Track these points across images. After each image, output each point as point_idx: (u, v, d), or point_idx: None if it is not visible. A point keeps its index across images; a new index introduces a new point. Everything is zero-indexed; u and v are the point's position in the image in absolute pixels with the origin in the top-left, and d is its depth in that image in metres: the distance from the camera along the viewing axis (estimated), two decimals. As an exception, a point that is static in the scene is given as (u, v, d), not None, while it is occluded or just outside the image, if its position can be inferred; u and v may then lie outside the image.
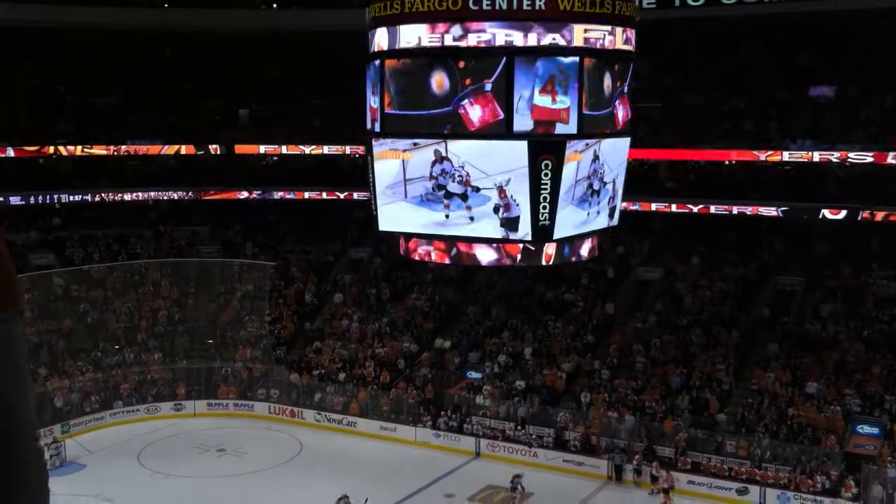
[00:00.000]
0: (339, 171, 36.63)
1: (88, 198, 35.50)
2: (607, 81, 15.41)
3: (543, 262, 16.79)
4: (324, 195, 36.25)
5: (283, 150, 36.48)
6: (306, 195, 36.52)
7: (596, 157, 16.01)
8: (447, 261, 17.25)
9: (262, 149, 36.91)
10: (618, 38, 15.53)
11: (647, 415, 27.33)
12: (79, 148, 34.70)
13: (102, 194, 35.58)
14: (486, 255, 16.48)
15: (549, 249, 16.33)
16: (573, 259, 17.64)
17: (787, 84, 32.11)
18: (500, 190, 15.27)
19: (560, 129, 14.92)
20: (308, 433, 30.02)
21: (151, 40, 36.78)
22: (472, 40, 14.76)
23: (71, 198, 35.35)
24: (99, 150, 35.09)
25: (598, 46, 15.15)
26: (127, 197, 36.07)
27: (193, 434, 29.87)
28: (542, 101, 14.74)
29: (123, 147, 35.30)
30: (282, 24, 36.70)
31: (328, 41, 34.59)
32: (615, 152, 16.60)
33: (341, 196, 35.92)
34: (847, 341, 28.34)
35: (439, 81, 14.99)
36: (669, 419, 26.85)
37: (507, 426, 28.33)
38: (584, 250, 17.14)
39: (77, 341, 32.51)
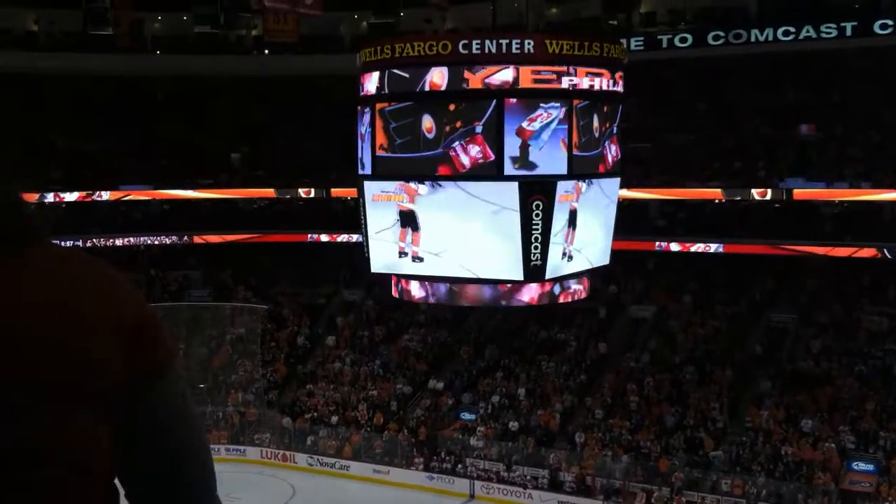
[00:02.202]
0: (332, 213, 36.66)
1: (80, 243, 35.40)
2: (596, 123, 15.58)
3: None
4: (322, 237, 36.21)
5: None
6: (299, 237, 36.50)
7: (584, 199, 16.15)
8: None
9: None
10: (606, 80, 15.72)
11: (642, 454, 27.21)
12: (71, 195, 34.76)
13: (94, 239, 35.52)
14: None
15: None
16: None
17: (774, 122, 32.42)
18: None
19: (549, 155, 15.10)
20: (301, 477, 29.77)
21: (143, 86, 37.01)
22: (462, 84, 14.93)
23: (63, 244, 35.24)
24: (90, 196, 35.11)
25: (587, 88, 15.34)
26: (118, 242, 36.01)
27: (185, 480, 29.53)
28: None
29: (115, 192, 35.35)
30: (273, 70, 37.04)
31: (321, 84, 34.89)
32: (606, 192, 16.73)
33: (335, 238, 35.89)
34: (840, 377, 28.35)
35: (428, 124, 15.15)
36: (664, 458, 26.73)
37: (502, 467, 28.18)
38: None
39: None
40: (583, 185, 15.98)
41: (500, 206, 15.18)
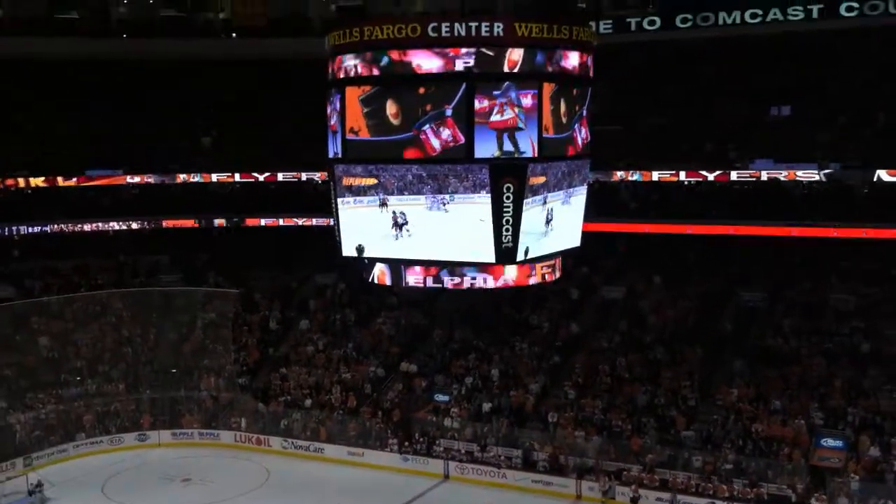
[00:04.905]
0: (304, 197, 36.46)
1: (48, 229, 35.06)
2: (564, 106, 15.62)
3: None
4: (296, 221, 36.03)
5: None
6: (267, 222, 36.29)
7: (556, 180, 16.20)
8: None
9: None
10: (576, 63, 15.76)
11: (614, 434, 27.44)
12: (38, 179, 34.37)
13: (62, 225, 35.14)
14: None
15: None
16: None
17: (746, 105, 32.53)
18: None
19: (519, 138, 15.03)
20: (275, 461, 29.78)
21: (109, 69, 36.54)
22: (431, 66, 14.89)
23: (30, 229, 34.92)
24: (59, 182, 34.74)
25: (556, 71, 15.37)
26: (87, 227, 35.61)
27: (158, 464, 29.52)
28: (495, 118, 14.96)
29: (82, 178, 34.99)
30: (244, 53, 36.73)
31: (292, 68, 34.62)
32: (576, 175, 16.80)
33: (304, 222, 35.76)
34: (809, 356, 28.68)
35: (393, 108, 15.13)
36: (636, 437, 26.99)
37: (475, 448, 28.34)
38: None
39: (38, 374, 32.05)
40: (553, 168, 16.03)
41: (471, 189, 15.21)
